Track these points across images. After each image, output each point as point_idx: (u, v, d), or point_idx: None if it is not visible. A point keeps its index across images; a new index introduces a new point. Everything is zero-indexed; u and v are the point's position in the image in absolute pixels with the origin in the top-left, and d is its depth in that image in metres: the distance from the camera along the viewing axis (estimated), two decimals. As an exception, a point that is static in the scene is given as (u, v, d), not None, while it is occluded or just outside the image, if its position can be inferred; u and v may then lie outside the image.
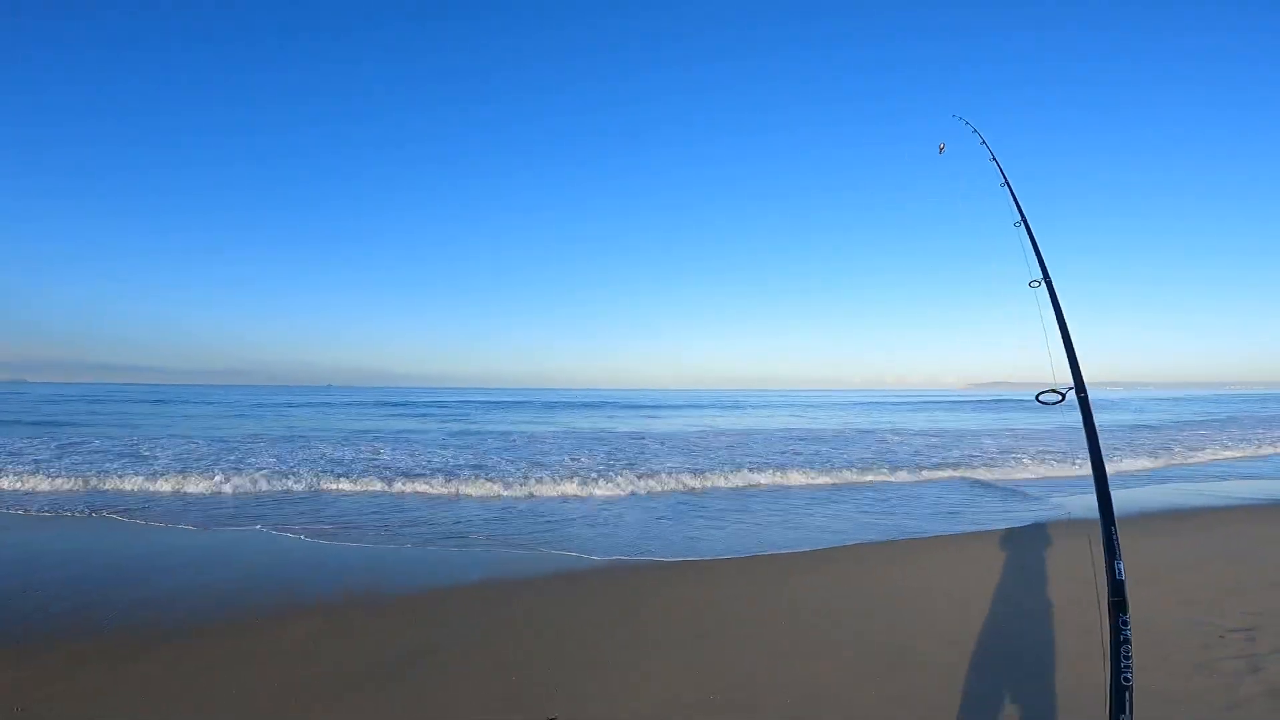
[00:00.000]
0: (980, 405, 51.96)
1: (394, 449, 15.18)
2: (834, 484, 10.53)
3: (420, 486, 9.66)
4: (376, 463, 12.46)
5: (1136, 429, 23.54)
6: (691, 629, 4.40)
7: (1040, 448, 16.39)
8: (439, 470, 11.50)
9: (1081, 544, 6.74)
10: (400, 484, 9.81)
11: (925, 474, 11.45)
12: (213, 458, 12.73)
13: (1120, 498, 9.79)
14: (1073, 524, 7.84)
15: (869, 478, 11.01)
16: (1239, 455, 14.84)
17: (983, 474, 11.56)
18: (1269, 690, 3.28)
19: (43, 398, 48.93)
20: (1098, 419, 2.21)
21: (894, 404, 55.43)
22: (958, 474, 11.50)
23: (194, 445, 15.06)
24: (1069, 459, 13.62)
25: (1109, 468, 10.00)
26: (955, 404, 55.82)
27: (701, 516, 8.26)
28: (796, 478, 10.76)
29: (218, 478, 9.97)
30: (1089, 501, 9.35)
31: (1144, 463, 13.31)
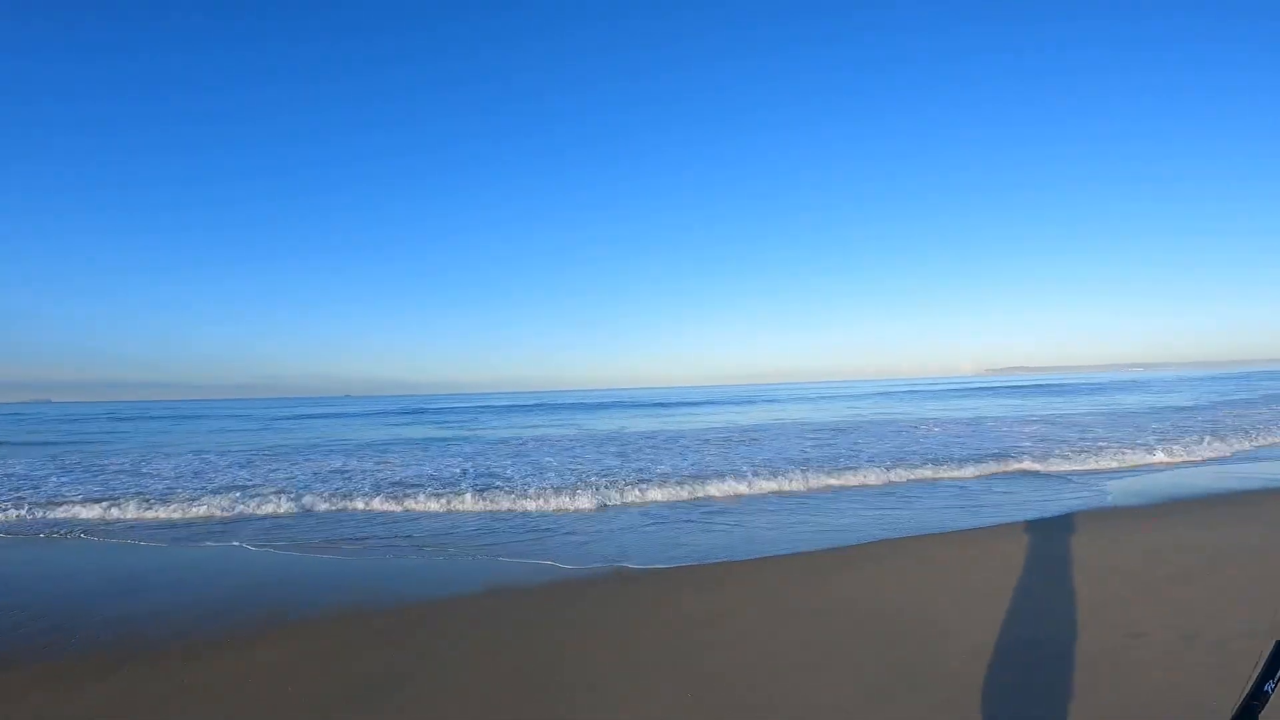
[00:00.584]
0: (998, 391, 50.93)
1: (400, 458, 14.91)
2: (857, 482, 10.03)
3: (420, 497, 9.31)
4: (378, 474, 12.17)
5: (1192, 410, 22.79)
6: (691, 641, 4.03)
7: (1074, 435, 15.82)
8: (442, 480, 11.19)
9: (1123, 534, 6.27)
10: (399, 495, 9.48)
11: (959, 467, 10.92)
12: (210, 474, 12.52)
13: (1160, 480, 9.22)
14: (1116, 513, 7.33)
15: (891, 475, 10.50)
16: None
17: (1027, 465, 10.99)
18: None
19: (64, 416, 49.51)
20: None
21: (914, 393, 54.48)
22: (993, 464, 10.94)
23: (197, 461, 14.89)
24: (1108, 446, 13.06)
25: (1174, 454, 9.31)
26: (974, 391, 54.78)
27: (707, 521, 7.86)
28: (810, 478, 10.28)
29: (207, 494, 9.72)
30: (1130, 487, 8.80)
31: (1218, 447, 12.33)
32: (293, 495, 9.40)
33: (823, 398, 51.70)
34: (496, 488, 9.88)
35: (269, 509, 8.77)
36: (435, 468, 12.78)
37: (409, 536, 7.31)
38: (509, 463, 13.39)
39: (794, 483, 9.61)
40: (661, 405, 47.25)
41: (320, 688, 3.55)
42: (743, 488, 9.39)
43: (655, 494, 9.09)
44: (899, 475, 10.15)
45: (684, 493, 9.16)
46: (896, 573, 5.31)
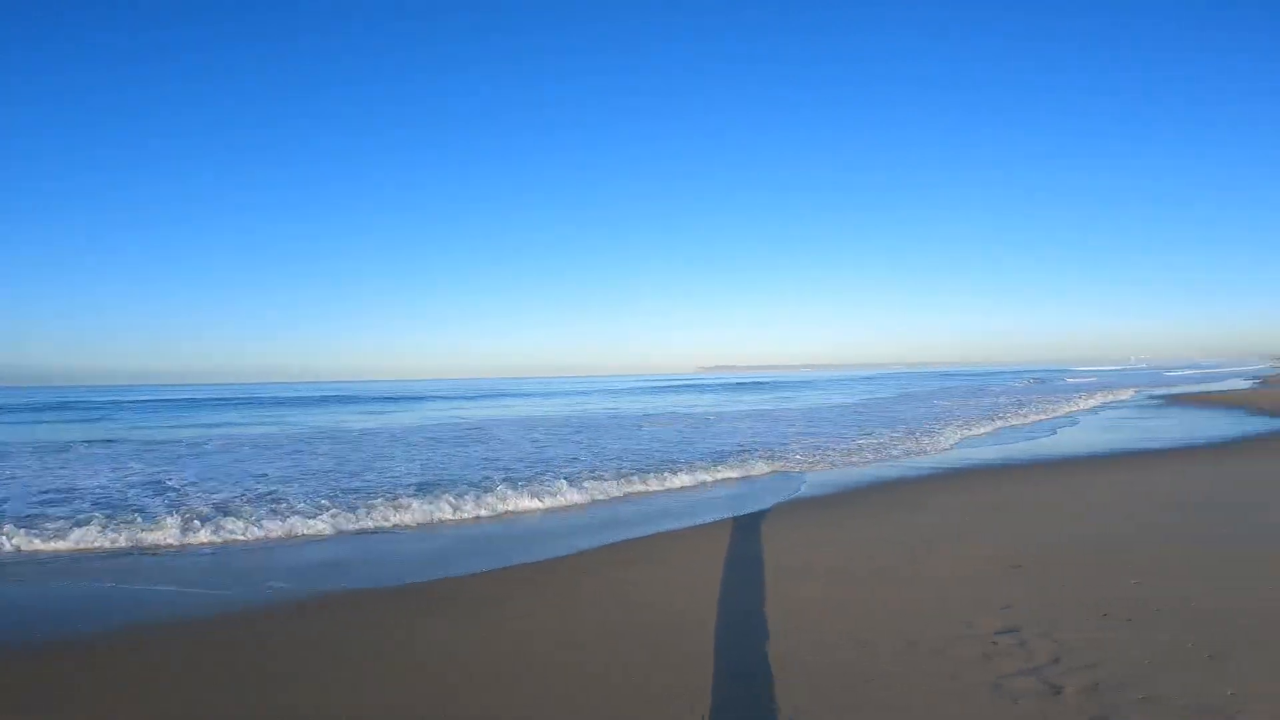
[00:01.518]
0: (709, 388, 56.83)
1: (21, 464, 10.98)
2: (588, 494, 9.62)
3: (45, 512, 6.60)
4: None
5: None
6: (410, 671, 3.08)
7: (789, 430, 17.52)
8: (78, 492, 8.52)
9: (831, 528, 6.65)
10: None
11: (686, 466, 11.12)
12: None
13: (861, 474, 10.17)
14: (821, 503, 7.85)
15: (625, 476, 10.34)
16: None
17: (747, 462, 11.51)
18: None
19: None
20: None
21: (641, 389, 57.91)
22: (718, 462, 11.28)
23: None
24: (820, 442, 14.47)
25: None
26: (691, 387, 60.33)
27: (427, 534, 6.83)
28: (546, 483, 9.67)
29: None
30: (833, 480, 9.54)
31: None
32: None
33: (551, 393, 52.46)
34: (154, 501, 7.83)
35: None
36: (71, 476, 10.05)
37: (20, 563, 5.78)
38: (174, 469, 10.70)
39: (548, 492, 8.88)
40: (387, 399, 43.61)
41: None
42: (477, 507, 8.36)
43: (375, 512, 7.61)
44: (630, 476, 9.96)
45: (397, 514, 7.82)
46: (618, 581, 4.88)
